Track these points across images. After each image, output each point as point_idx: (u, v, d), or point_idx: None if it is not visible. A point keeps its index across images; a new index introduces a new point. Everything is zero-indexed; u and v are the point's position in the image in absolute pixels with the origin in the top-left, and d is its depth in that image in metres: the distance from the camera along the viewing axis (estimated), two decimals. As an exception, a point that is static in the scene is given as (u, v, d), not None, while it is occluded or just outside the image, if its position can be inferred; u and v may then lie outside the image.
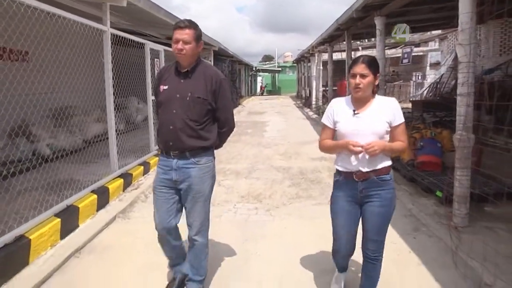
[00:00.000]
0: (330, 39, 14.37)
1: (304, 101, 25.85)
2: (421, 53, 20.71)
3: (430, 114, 11.85)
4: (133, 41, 6.92)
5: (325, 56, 18.14)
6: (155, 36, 10.71)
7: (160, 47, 8.53)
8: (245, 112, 21.95)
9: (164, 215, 3.00)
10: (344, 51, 13.29)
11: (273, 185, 6.50)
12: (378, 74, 2.65)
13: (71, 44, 7.20)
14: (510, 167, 6.65)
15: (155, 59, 8.51)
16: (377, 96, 2.72)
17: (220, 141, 3.18)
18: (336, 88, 17.98)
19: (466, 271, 3.47)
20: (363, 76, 2.58)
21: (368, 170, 2.63)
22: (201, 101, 2.90)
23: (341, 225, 2.77)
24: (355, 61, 2.66)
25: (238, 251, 4.08)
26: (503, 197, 5.13)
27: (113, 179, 5.92)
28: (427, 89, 17.48)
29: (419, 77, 19.78)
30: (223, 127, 3.13)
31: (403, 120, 2.67)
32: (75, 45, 7.18)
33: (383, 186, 2.66)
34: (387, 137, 2.66)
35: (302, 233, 4.51)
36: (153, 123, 7.94)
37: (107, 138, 6.29)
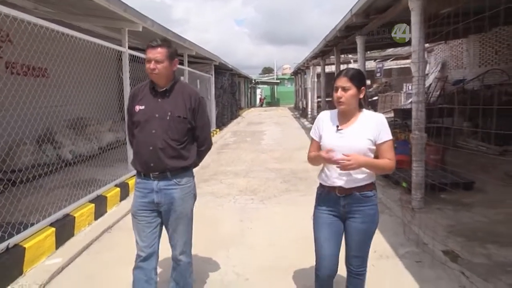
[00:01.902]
0: (322, 54, 15.59)
1: (301, 112, 26.99)
2: (409, 65, 21.87)
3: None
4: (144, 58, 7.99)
5: (320, 69, 19.31)
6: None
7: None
8: (244, 122, 23.08)
9: (147, 239, 2.90)
10: (333, 64, 14.46)
11: (267, 182, 7.57)
12: (363, 88, 2.60)
13: (84, 60, 8.12)
14: (473, 165, 7.76)
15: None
16: (364, 111, 2.66)
17: (198, 160, 3.09)
18: (330, 99, 19.09)
19: (411, 236, 4.53)
20: (344, 89, 2.54)
21: (350, 186, 2.60)
22: (181, 120, 2.85)
23: (325, 238, 2.68)
24: (338, 74, 2.63)
25: (236, 228, 5.15)
26: (459, 187, 6.20)
27: (131, 177, 6.96)
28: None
29: (410, 88, 20.92)
30: (202, 146, 3.07)
31: (390, 137, 2.61)
32: (88, 62, 7.94)
33: (366, 202, 2.62)
34: (371, 154, 2.59)
35: (288, 215, 5.57)
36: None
37: (119, 146, 7.25)
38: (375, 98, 20.96)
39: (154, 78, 2.85)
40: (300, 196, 6.51)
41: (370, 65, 21.31)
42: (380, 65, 16.54)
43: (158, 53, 2.78)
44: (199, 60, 15.06)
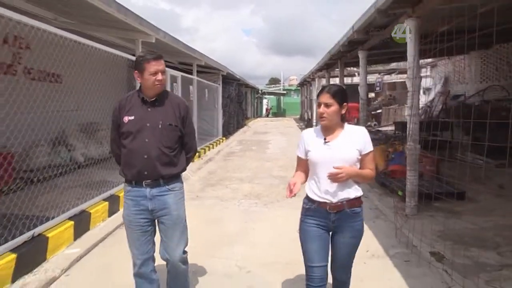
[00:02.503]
0: (327, 66, 16.03)
1: (306, 123, 27.38)
2: (415, 79, 22.31)
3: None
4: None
5: (325, 81, 19.73)
6: (169, 62, 12.35)
7: (178, 73, 10.10)
8: (250, 132, 23.49)
9: (141, 247, 2.97)
10: (337, 76, 14.90)
11: (271, 188, 7.94)
12: (345, 104, 2.69)
13: (95, 68, 8.47)
14: (469, 176, 8.07)
15: (174, 83, 10.07)
16: (347, 125, 2.77)
17: (186, 165, 3.17)
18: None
19: (402, 239, 4.89)
20: (327, 105, 2.63)
21: (340, 199, 2.67)
22: (173, 128, 2.93)
23: (314, 250, 2.73)
24: (321, 91, 2.74)
25: (240, 228, 5.52)
26: (453, 197, 6.54)
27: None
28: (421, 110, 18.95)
29: (412, 101, 21.36)
30: (190, 152, 3.16)
31: (372, 148, 2.74)
32: (99, 69, 8.04)
33: (355, 218, 2.73)
34: (358, 165, 2.71)
35: (290, 218, 5.88)
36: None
37: None
38: (379, 111, 21.33)
39: (158, 89, 2.90)
40: (302, 201, 6.87)
41: (373, 78, 21.72)
42: (380, 79, 16.94)
43: (162, 64, 2.89)
44: (207, 70, 15.54)
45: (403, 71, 18.47)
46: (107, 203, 5.79)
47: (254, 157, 12.61)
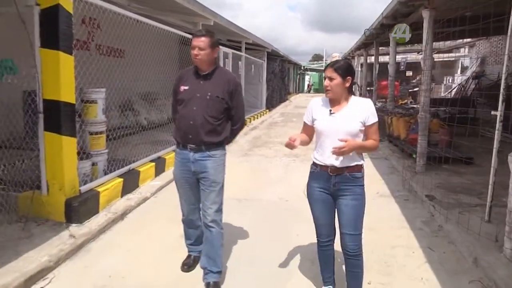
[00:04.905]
0: (364, 46, 17.10)
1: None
2: (453, 59, 22.86)
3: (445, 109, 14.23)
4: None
5: (363, 59, 20.72)
6: (221, 40, 13.76)
7: (229, 50, 11.59)
8: (292, 106, 24.95)
9: (189, 200, 3.39)
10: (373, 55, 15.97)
11: (307, 150, 9.20)
12: (348, 77, 2.79)
13: (152, 44, 8.59)
14: (485, 148, 9.20)
15: (225, 59, 11.57)
16: (353, 97, 2.88)
17: (231, 137, 3.44)
18: (370, 88, 20.52)
19: (406, 186, 6.28)
20: (330, 78, 2.78)
21: (341, 166, 2.81)
22: (219, 100, 3.20)
23: (319, 211, 2.97)
24: (327, 66, 2.90)
25: (281, 176, 7.09)
26: (462, 162, 7.77)
27: None
28: (456, 89, 19.66)
29: (450, 81, 21.96)
30: (236, 124, 3.42)
31: (376, 120, 2.82)
32: (155, 45, 8.44)
33: (354, 182, 2.85)
34: (361, 135, 2.82)
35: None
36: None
37: None
38: (416, 89, 22.13)
39: (197, 63, 3.21)
40: (331, 160, 8.32)
41: (413, 57, 22.42)
42: (404, 59, 17.88)
43: (202, 41, 3.13)
44: (254, 47, 16.95)
45: (441, 51, 19.16)
46: (153, 164, 7.04)
47: (294, 127, 14.07)
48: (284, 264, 3.76)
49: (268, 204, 5.55)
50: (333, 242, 3.07)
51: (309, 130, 3.03)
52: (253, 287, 3.41)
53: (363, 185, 2.90)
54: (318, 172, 2.92)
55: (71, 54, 4.43)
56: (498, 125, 4.47)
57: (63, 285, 3.37)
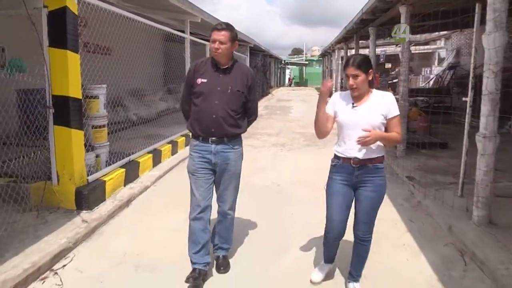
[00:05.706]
0: (345, 39, 17.63)
1: (327, 92, 28.86)
2: (430, 51, 23.61)
3: (423, 99, 14.87)
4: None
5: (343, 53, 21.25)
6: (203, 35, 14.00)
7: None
8: (274, 99, 25.42)
9: (204, 193, 3.29)
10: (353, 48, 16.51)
11: (293, 140, 9.89)
12: (370, 70, 2.82)
13: (138, 41, 8.71)
14: (459, 134, 9.82)
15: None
16: (374, 91, 2.90)
17: (246, 128, 3.51)
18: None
19: (388, 169, 6.76)
20: (355, 76, 2.77)
21: (364, 157, 2.82)
22: (240, 94, 3.24)
23: (337, 205, 2.96)
24: (347, 63, 2.86)
25: (270, 164, 7.51)
26: (437, 146, 8.33)
27: (179, 136, 8.90)
28: (432, 80, 20.35)
29: (427, 72, 22.68)
30: (251, 116, 3.49)
31: (398, 113, 2.85)
32: (141, 43, 8.71)
33: (377, 173, 2.87)
34: (383, 128, 2.83)
35: (308, 158, 7.88)
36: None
37: (169, 113, 9.14)
38: (395, 80, 22.82)
39: (217, 56, 3.19)
40: (318, 148, 8.78)
41: (391, 50, 23.08)
42: (383, 52, 18.57)
43: (222, 35, 3.13)
44: (238, 42, 17.21)
45: (418, 43, 19.81)
46: (170, 145, 7.81)
47: (278, 119, 14.57)
48: (281, 239, 4.17)
49: (261, 188, 5.96)
50: (339, 240, 3.13)
51: (331, 119, 3.00)
52: (256, 260, 3.78)
53: (384, 176, 2.95)
54: (341, 165, 2.94)
55: (77, 52, 4.76)
56: (468, 109, 4.97)
57: (84, 262, 3.72)
